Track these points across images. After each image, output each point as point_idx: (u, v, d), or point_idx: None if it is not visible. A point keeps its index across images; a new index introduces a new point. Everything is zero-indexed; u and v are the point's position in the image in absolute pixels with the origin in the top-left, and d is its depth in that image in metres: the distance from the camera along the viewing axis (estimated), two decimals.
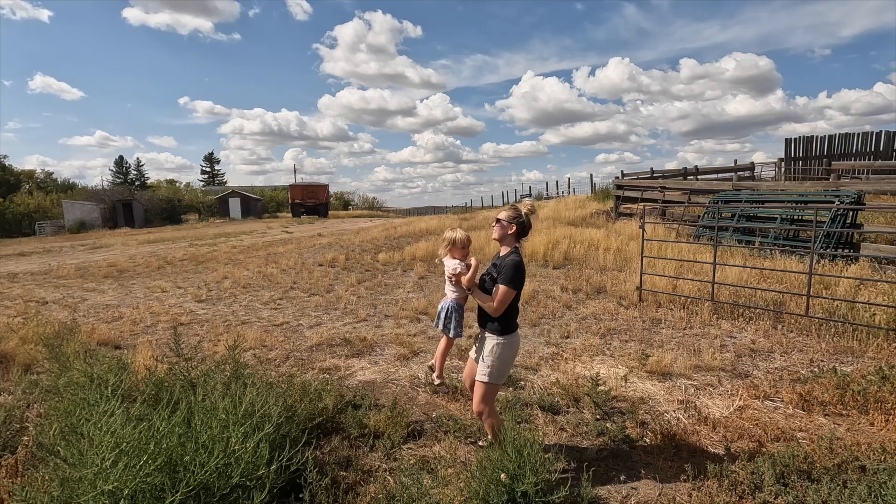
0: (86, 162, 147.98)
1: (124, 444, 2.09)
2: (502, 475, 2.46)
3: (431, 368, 3.41)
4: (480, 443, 3.32)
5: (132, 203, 41.01)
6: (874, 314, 5.52)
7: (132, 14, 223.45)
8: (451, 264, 3.09)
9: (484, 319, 2.99)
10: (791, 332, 5.66)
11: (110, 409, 2.40)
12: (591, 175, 57.93)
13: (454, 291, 3.13)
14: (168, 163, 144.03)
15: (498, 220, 3.01)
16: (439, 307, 3.23)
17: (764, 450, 3.11)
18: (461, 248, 3.12)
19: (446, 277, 3.11)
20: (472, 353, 3.19)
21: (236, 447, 2.31)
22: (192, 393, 3.05)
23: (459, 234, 3.12)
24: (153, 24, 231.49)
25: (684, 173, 20.44)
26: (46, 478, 2.38)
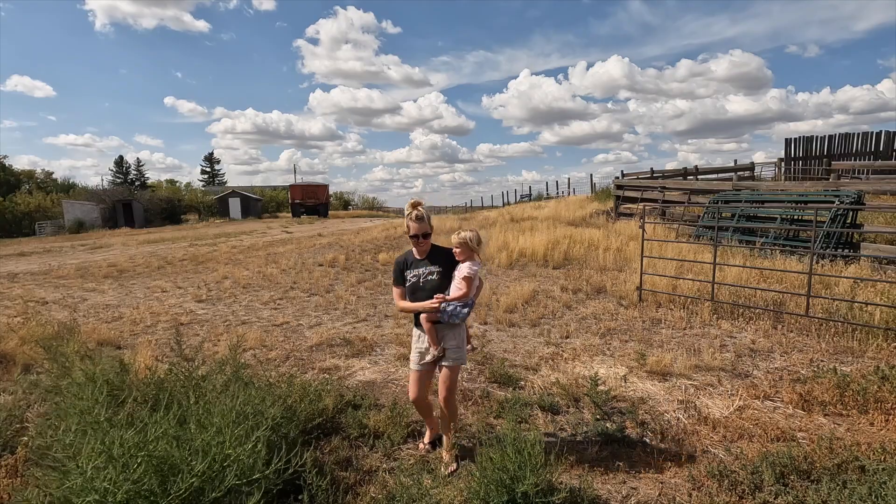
0: (74, 162, 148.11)
1: (113, 449, 2.08)
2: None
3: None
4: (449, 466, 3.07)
5: (132, 203, 40.99)
6: (874, 314, 5.52)
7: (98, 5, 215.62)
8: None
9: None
10: (791, 332, 5.66)
11: (97, 414, 2.39)
12: (591, 175, 58.01)
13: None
14: (160, 163, 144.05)
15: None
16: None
17: (764, 450, 3.11)
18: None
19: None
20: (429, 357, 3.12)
21: (230, 451, 2.30)
22: (190, 394, 3.04)
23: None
24: (133, 22, 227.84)
25: (684, 173, 20.45)
26: (45, 479, 2.38)
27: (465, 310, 3.07)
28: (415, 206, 3.17)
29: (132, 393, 3.03)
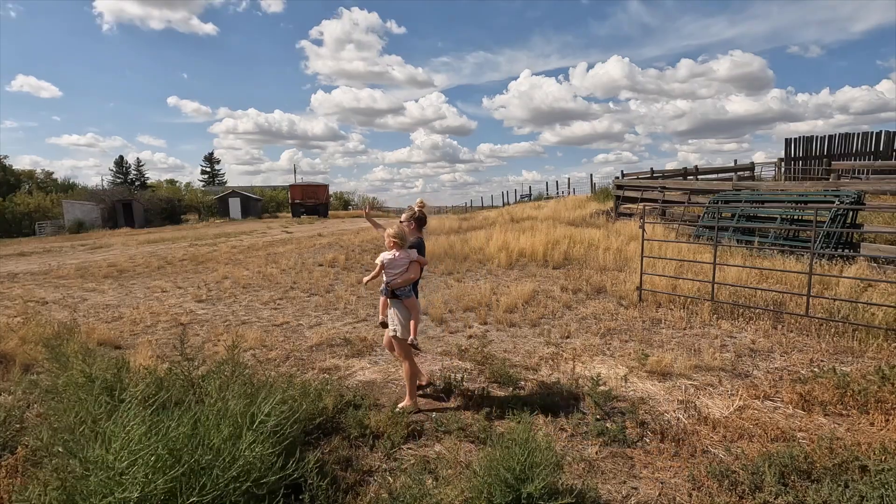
0: (76, 162, 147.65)
1: (142, 449, 2.07)
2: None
3: (384, 325, 4.20)
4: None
5: (132, 203, 40.99)
6: (874, 314, 5.52)
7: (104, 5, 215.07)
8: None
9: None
10: (791, 332, 5.66)
11: (131, 413, 2.38)
12: (591, 175, 58.01)
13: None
14: (161, 163, 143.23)
15: (400, 222, 4.25)
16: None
17: (764, 450, 3.11)
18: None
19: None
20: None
21: (246, 452, 2.30)
22: (194, 394, 3.04)
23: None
24: (138, 22, 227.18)
25: (684, 173, 20.47)
26: (47, 479, 2.37)
27: (384, 288, 4.17)
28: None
29: (134, 391, 3.03)
